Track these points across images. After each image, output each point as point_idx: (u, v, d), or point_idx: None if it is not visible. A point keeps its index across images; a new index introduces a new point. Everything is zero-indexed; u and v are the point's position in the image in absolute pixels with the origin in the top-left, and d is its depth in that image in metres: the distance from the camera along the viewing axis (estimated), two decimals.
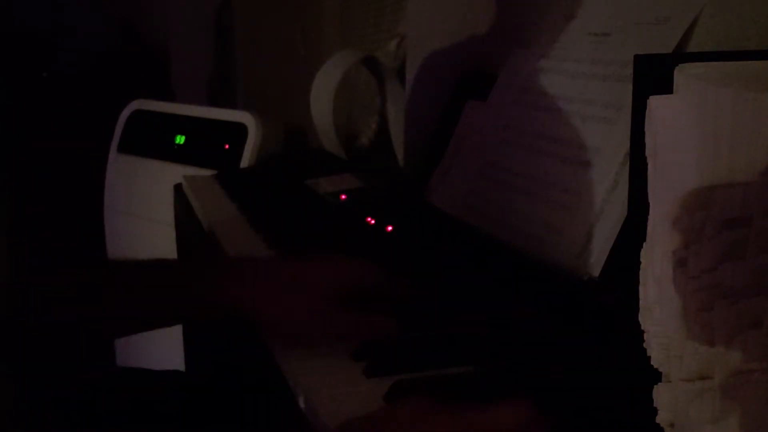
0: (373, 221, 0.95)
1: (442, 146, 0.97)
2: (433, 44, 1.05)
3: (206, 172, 1.35)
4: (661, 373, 0.41)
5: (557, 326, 0.64)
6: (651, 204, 0.41)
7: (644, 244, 0.42)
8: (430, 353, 0.61)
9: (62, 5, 2.33)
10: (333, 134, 1.35)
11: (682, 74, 0.40)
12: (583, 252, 0.70)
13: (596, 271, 0.68)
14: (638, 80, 0.57)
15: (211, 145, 1.64)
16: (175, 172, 1.40)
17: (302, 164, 1.37)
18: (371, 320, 0.65)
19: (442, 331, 0.65)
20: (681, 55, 0.67)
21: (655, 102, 0.41)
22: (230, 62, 2.20)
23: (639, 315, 0.42)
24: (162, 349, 1.39)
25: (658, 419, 0.41)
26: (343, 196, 1.07)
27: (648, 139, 0.42)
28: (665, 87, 0.41)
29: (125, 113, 1.85)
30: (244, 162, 1.57)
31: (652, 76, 0.52)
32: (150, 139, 1.80)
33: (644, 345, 0.42)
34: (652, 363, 0.41)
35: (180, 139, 1.74)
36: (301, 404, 0.57)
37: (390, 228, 0.92)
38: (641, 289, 0.42)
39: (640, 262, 0.42)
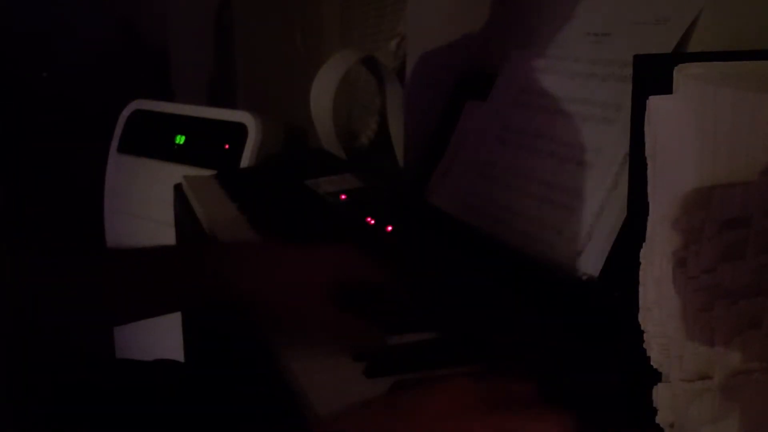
0: (373, 221, 0.95)
1: (441, 146, 0.97)
2: (433, 44, 1.05)
3: (206, 172, 1.35)
4: (661, 373, 0.41)
5: (557, 326, 0.64)
6: (651, 204, 0.41)
7: (644, 244, 0.42)
8: (430, 353, 0.61)
9: (62, 5, 2.32)
10: (333, 134, 1.35)
11: (681, 74, 0.40)
12: (583, 252, 0.70)
13: (596, 271, 0.68)
14: (638, 80, 0.57)
15: (211, 145, 1.64)
16: (175, 172, 1.40)
17: (302, 164, 1.37)
18: (363, 324, 0.65)
19: (442, 331, 0.65)
20: (681, 55, 0.67)
21: (654, 102, 0.41)
22: (230, 62, 2.20)
23: (639, 315, 0.42)
24: (161, 342, 1.39)
25: (658, 419, 0.41)
26: (343, 196, 1.07)
27: (648, 139, 0.42)
28: (665, 87, 0.41)
29: (125, 113, 1.85)
30: (244, 162, 1.57)
31: (652, 76, 0.52)
32: (150, 139, 1.80)
33: (644, 345, 0.42)
34: (652, 363, 0.41)
35: (180, 139, 1.74)
36: (301, 404, 0.57)
37: (390, 228, 0.92)
38: (641, 289, 0.42)
39: (640, 262, 0.42)
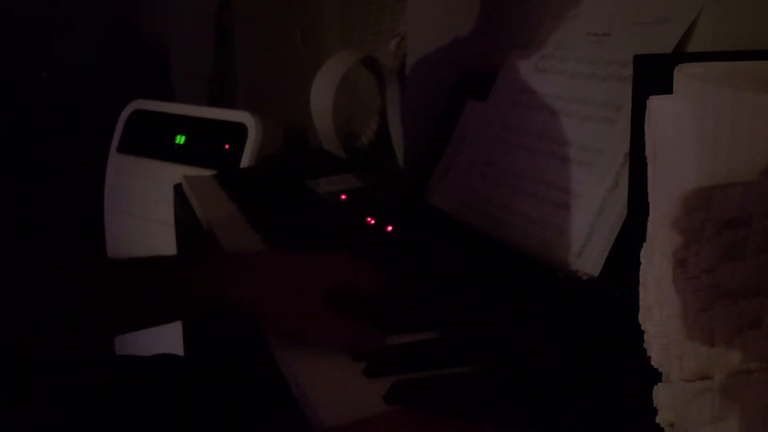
0: (373, 221, 0.95)
1: (442, 146, 0.97)
2: (433, 44, 1.05)
3: (206, 172, 1.35)
4: (661, 373, 0.41)
5: (557, 326, 0.64)
6: (651, 204, 0.41)
7: (644, 244, 0.42)
8: (430, 353, 0.61)
9: (62, 5, 2.32)
10: (333, 134, 1.35)
11: (681, 74, 0.40)
12: (583, 252, 0.70)
13: (596, 271, 0.68)
14: (638, 80, 0.57)
15: (211, 145, 1.65)
16: (175, 172, 1.40)
17: (302, 164, 1.37)
18: (361, 328, 0.65)
19: (442, 331, 0.65)
20: (681, 55, 0.67)
21: (654, 102, 0.41)
22: (230, 62, 2.20)
23: (639, 315, 0.42)
24: (161, 337, 1.39)
25: (658, 419, 0.41)
26: (343, 196, 1.07)
27: (648, 139, 0.42)
28: (665, 87, 0.41)
29: (125, 113, 1.85)
30: (244, 162, 1.57)
31: (652, 76, 0.52)
32: (150, 139, 1.80)
33: (644, 345, 0.42)
34: (652, 363, 0.41)
35: (180, 139, 1.74)
36: (301, 404, 0.57)
37: (390, 228, 0.92)
38: (641, 289, 0.42)
39: (640, 262, 0.42)
